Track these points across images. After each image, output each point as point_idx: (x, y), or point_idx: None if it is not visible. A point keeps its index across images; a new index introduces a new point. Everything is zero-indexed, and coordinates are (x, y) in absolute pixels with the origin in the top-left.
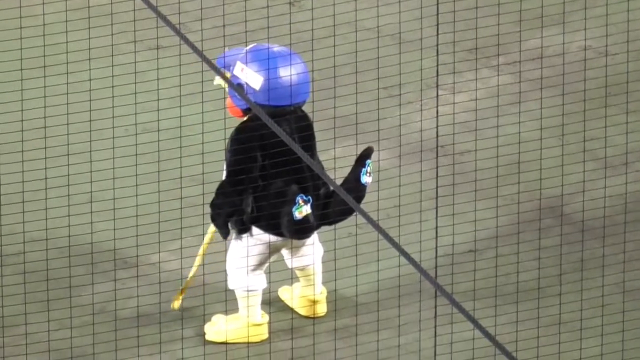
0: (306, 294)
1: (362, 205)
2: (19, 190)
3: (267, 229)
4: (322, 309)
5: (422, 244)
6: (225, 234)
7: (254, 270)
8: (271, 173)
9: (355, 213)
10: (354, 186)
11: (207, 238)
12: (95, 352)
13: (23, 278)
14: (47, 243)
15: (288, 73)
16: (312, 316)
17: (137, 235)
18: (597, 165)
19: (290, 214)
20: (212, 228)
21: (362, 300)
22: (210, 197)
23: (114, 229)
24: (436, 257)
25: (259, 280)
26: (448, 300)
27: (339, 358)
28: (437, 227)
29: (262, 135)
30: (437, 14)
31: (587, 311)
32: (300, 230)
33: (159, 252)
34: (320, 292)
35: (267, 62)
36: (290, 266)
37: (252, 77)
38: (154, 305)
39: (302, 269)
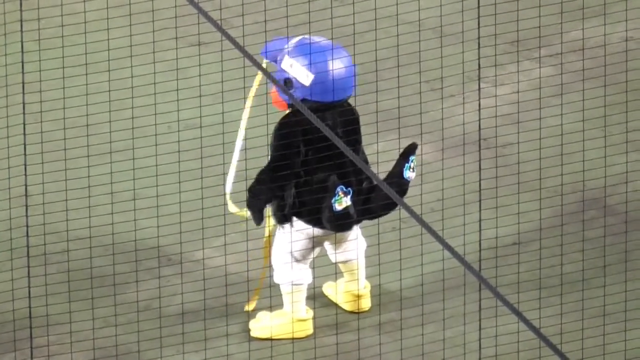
0: (350, 289)
1: (405, 200)
2: (62, 188)
3: (310, 221)
4: (366, 303)
5: (466, 237)
6: (258, 219)
7: (298, 264)
8: (314, 166)
9: (398, 207)
10: (397, 180)
11: (266, 232)
12: (140, 349)
13: (67, 276)
14: (92, 241)
15: (336, 68)
16: (357, 311)
17: (180, 232)
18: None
19: (330, 206)
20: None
21: (407, 295)
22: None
23: (158, 226)
24: (480, 250)
25: (304, 275)
26: (492, 293)
27: (383, 353)
28: (480, 220)
29: (305, 128)
30: (479, 7)
31: (631, 302)
32: (342, 225)
33: (203, 249)
34: (364, 287)
35: (315, 57)
36: (333, 261)
37: (301, 74)
38: (198, 302)
39: (346, 263)
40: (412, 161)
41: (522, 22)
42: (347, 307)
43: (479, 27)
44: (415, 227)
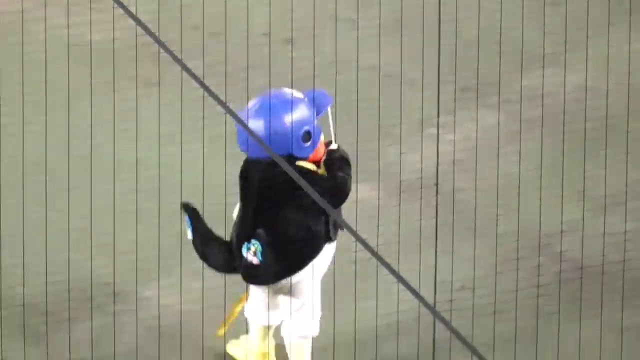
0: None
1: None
2: (15, 225)
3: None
4: None
5: (420, 282)
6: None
7: (270, 308)
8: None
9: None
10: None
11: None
12: None
13: (20, 312)
14: (44, 277)
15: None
16: None
17: (136, 271)
18: (593, 204)
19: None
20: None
21: (360, 338)
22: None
23: (114, 266)
24: (435, 294)
25: (273, 317)
26: (447, 328)
27: None
28: (436, 265)
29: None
30: (439, 54)
31: (584, 350)
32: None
33: (159, 288)
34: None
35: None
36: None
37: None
38: (147, 340)
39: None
40: (251, 244)
41: (475, 70)
42: None
43: (438, 74)
44: (367, 270)
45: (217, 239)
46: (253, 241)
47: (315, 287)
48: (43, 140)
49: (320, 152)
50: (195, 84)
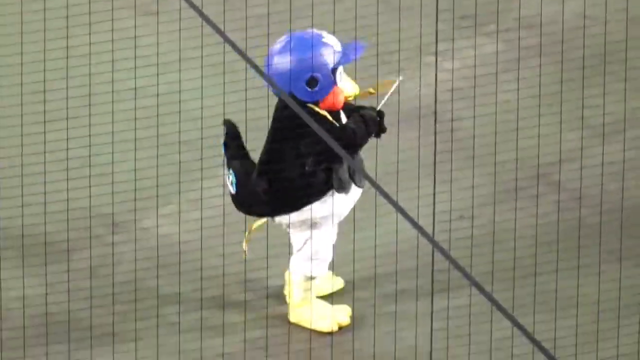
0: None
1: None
2: (13, 154)
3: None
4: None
5: (419, 212)
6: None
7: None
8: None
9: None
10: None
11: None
12: (91, 316)
13: (19, 242)
14: (40, 207)
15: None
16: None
17: (135, 201)
18: (592, 133)
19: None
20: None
21: (358, 268)
22: (203, 162)
23: (113, 196)
24: (433, 224)
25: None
26: (446, 257)
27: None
28: (434, 195)
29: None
30: None
31: (583, 280)
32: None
33: (157, 218)
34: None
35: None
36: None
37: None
38: (148, 271)
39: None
40: (230, 174)
41: None
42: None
43: (437, 2)
44: (364, 200)
45: (243, 161)
46: (230, 171)
47: (324, 232)
48: (42, 70)
49: (337, 102)
50: (194, 13)
